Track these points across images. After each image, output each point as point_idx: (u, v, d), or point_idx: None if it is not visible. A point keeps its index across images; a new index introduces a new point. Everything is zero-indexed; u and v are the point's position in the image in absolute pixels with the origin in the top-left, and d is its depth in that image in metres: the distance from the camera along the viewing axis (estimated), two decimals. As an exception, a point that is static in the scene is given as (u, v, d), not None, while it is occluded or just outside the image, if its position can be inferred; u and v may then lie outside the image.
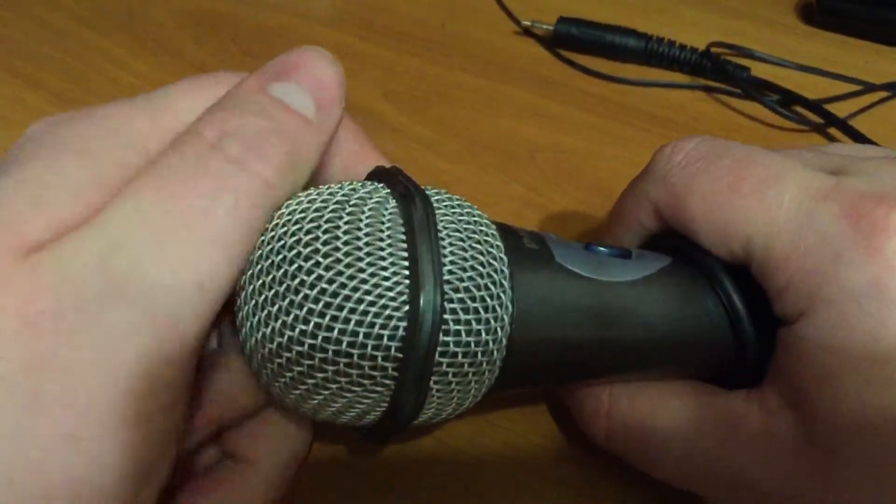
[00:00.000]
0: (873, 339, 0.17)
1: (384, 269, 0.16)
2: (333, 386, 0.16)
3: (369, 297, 0.15)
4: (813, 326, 0.18)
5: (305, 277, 0.16)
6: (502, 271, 0.17)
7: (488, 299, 0.17)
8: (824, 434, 0.17)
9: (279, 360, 0.16)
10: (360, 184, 0.18)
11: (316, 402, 0.17)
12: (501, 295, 0.17)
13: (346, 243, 0.16)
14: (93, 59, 0.39)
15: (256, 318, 0.16)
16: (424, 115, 0.36)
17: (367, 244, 0.16)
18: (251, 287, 0.16)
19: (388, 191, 0.17)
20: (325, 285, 0.15)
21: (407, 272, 0.16)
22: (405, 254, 0.16)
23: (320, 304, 0.15)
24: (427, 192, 0.18)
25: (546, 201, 0.32)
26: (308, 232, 0.16)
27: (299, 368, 0.16)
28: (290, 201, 0.17)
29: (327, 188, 0.17)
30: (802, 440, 0.18)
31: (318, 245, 0.16)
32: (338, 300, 0.15)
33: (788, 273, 0.18)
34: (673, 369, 0.21)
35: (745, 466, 0.19)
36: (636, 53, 0.40)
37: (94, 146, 0.16)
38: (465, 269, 0.16)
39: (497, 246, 0.18)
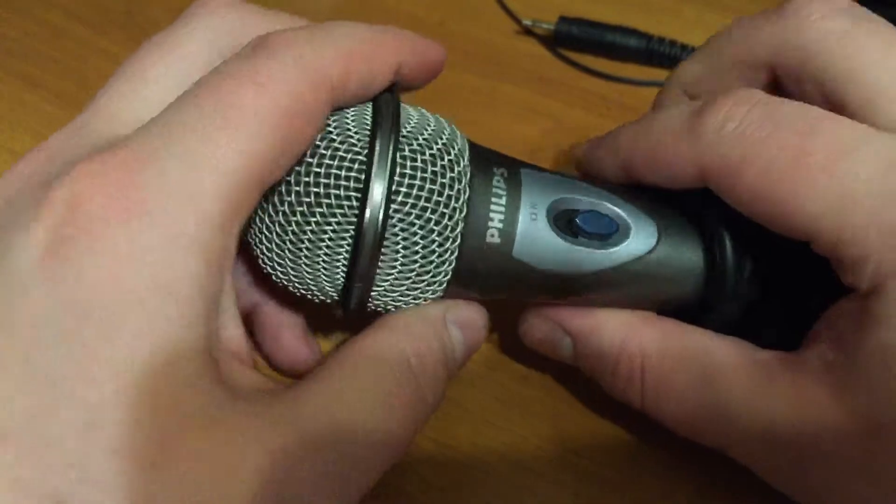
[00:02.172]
0: None
1: (350, 137, 0.19)
2: (307, 228, 0.19)
3: (335, 153, 0.19)
4: (888, 301, 0.17)
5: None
6: (461, 177, 0.20)
7: (441, 176, 0.20)
8: (872, 406, 0.17)
9: (272, 211, 0.20)
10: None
11: (302, 249, 0.20)
12: (456, 183, 0.20)
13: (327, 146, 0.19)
14: (91, 57, 0.38)
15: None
16: (424, 114, 0.36)
17: (342, 143, 0.19)
18: None
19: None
20: (308, 168, 0.19)
21: (367, 150, 0.19)
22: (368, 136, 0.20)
23: (304, 157, 0.19)
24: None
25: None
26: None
27: (286, 210, 0.19)
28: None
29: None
30: (843, 408, 0.18)
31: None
32: (310, 154, 0.19)
33: (866, 247, 0.18)
34: (634, 303, 0.22)
35: (778, 427, 0.19)
36: (637, 53, 0.40)
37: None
38: (422, 151, 0.20)
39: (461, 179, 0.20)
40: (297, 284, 0.21)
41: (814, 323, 0.20)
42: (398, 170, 0.19)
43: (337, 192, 0.19)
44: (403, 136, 0.20)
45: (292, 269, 0.21)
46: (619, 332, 0.22)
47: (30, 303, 0.15)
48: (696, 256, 0.22)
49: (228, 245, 0.18)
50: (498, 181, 0.21)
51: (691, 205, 0.22)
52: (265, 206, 0.20)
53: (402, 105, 0.21)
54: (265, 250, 0.21)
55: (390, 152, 0.19)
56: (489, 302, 0.23)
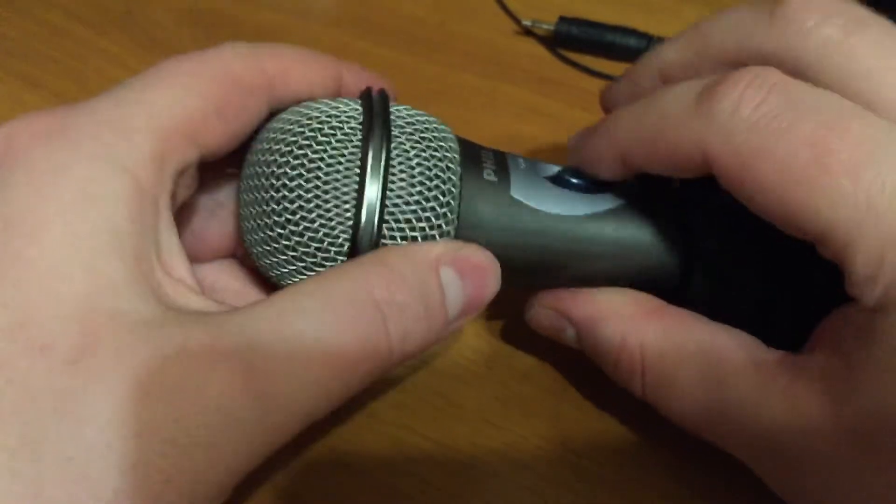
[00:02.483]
0: None
1: (339, 172, 0.20)
2: (300, 264, 0.20)
3: (324, 214, 0.19)
4: (893, 321, 0.17)
5: (282, 186, 0.20)
6: (449, 203, 0.20)
7: (436, 207, 0.20)
8: (868, 419, 0.17)
9: (265, 243, 0.20)
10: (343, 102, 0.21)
11: (287, 274, 0.21)
12: (446, 217, 0.20)
13: (308, 186, 0.20)
14: (91, 58, 0.38)
15: (250, 209, 0.21)
16: (424, 114, 0.36)
17: (325, 176, 0.20)
18: (245, 184, 0.21)
19: (360, 123, 0.20)
20: (301, 207, 0.20)
21: (357, 178, 0.19)
22: (358, 170, 0.20)
23: (301, 211, 0.20)
24: (395, 110, 0.21)
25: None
26: (284, 154, 0.20)
27: (274, 246, 0.20)
28: (282, 115, 0.21)
29: (315, 104, 0.21)
30: (837, 417, 0.18)
31: (292, 167, 0.20)
32: (305, 209, 0.20)
33: (882, 266, 0.17)
34: (619, 283, 0.23)
35: (774, 432, 0.19)
36: (637, 53, 0.40)
37: None
38: (409, 202, 0.20)
39: (452, 168, 0.21)
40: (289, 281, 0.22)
41: (816, 324, 0.20)
42: (387, 210, 0.20)
43: (331, 232, 0.20)
44: (393, 176, 0.20)
45: (286, 269, 0.21)
46: (621, 326, 0.22)
47: None
48: (676, 229, 0.22)
49: (162, 180, 0.19)
50: (486, 156, 0.22)
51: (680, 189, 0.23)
52: (259, 221, 0.20)
53: (391, 108, 0.21)
54: (266, 265, 0.21)
55: (379, 196, 0.19)
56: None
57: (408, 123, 0.21)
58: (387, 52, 0.40)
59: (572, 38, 0.40)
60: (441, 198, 0.20)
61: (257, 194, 0.20)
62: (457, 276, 0.20)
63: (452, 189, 0.20)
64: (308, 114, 0.21)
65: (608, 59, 0.40)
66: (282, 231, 0.20)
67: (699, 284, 0.22)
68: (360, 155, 0.20)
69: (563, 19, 0.40)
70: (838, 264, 0.18)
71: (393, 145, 0.20)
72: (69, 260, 0.16)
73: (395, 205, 0.20)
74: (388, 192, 0.20)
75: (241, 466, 0.17)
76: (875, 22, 0.20)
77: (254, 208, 0.20)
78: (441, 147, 0.21)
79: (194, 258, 0.21)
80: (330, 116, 0.20)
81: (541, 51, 0.41)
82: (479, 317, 0.27)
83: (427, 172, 0.20)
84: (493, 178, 0.21)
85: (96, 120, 0.18)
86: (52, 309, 0.16)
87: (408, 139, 0.20)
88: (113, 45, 0.39)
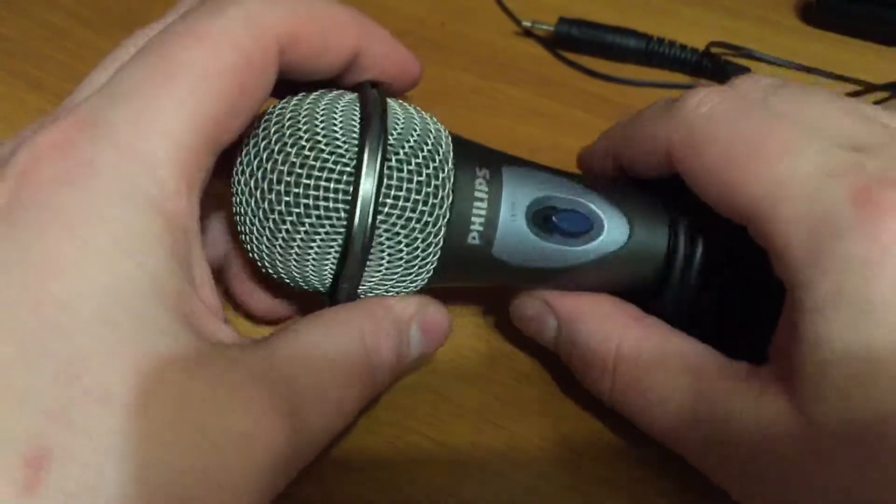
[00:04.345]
0: (861, 313, 0.17)
1: (339, 147, 0.20)
2: (300, 235, 0.20)
3: (324, 164, 0.19)
4: (809, 296, 0.18)
5: (286, 152, 0.20)
6: (444, 168, 0.21)
7: (426, 168, 0.20)
8: (815, 413, 0.18)
9: (262, 216, 0.20)
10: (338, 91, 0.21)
11: (291, 253, 0.20)
12: (440, 173, 0.20)
13: (306, 127, 0.20)
14: (92, 58, 0.38)
15: (248, 186, 0.20)
16: (424, 115, 0.36)
17: (322, 119, 0.20)
18: (243, 168, 0.21)
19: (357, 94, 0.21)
20: (293, 159, 0.20)
21: (356, 149, 0.20)
22: (356, 141, 0.20)
23: (294, 167, 0.19)
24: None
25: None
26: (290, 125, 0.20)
27: (276, 219, 0.20)
28: (282, 101, 0.21)
29: (316, 93, 0.21)
30: (796, 418, 0.18)
31: (293, 130, 0.20)
32: (300, 165, 0.19)
33: (789, 238, 0.18)
34: (606, 283, 0.23)
35: (741, 441, 0.19)
36: (636, 54, 0.40)
37: None
38: (408, 140, 0.20)
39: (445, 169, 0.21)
40: (284, 277, 0.22)
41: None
42: (385, 181, 0.20)
43: (326, 204, 0.19)
44: (390, 145, 0.20)
45: (281, 265, 0.21)
46: (603, 325, 0.23)
47: None
48: (661, 243, 0.23)
49: (191, 210, 0.18)
50: (480, 184, 0.21)
51: (665, 194, 0.23)
52: (253, 205, 0.20)
53: (388, 103, 0.21)
54: (255, 247, 0.21)
55: (378, 166, 0.19)
56: (483, 294, 0.23)
57: (399, 142, 0.21)
58: (387, 53, 0.40)
59: (572, 39, 0.40)
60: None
61: (255, 202, 0.20)
62: (420, 333, 0.22)
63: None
64: (299, 133, 0.20)
65: (608, 60, 0.40)
66: (280, 213, 0.20)
67: (670, 300, 0.23)
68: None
69: (562, 20, 0.40)
70: (764, 247, 0.20)
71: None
72: (114, 307, 0.16)
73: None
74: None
75: (275, 490, 0.18)
76: (765, 102, 0.22)
77: (252, 207, 0.20)
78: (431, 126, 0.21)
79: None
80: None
81: (541, 51, 0.41)
82: (479, 317, 0.28)
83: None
84: (476, 241, 0.21)
85: (118, 151, 0.17)
86: (104, 358, 0.15)
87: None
88: (114, 46, 0.39)
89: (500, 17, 0.43)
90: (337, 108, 0.20)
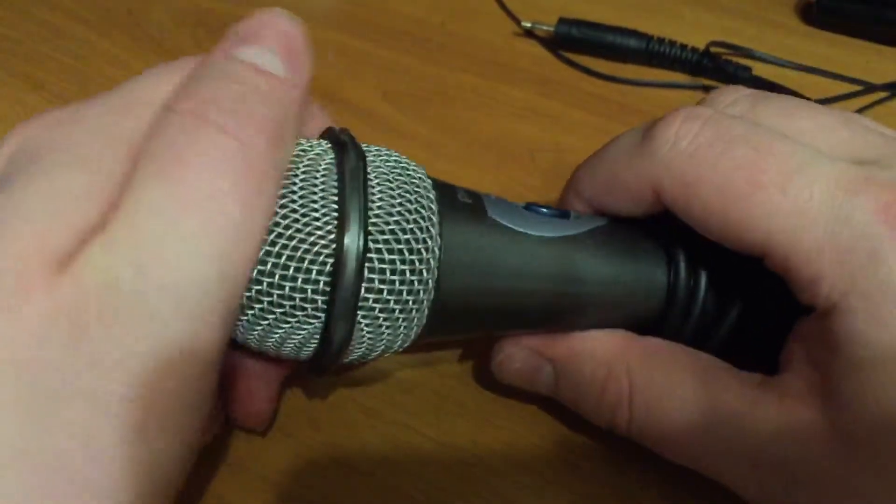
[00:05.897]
0: None
1: (315, 210, 0.18)
2: (271, 317, 0.18)
3: (300, 235, 0.17)
4: (847, 320, 0.18)
5: None
6: (430, 218, 0.19)
7: (414, 242, 0.18)
8: (851, 423, 0.18)
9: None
10: (307, 141, 0.19)
11: (258, 331, 0.18)
12: (428, 240, 0.19)
13: (282, 196, 0.17)
14: (92, 58, 0.38)
15: None
16: (424, 115, 0.36)
17: (301, 189, 0.18)
18: None
19: (329, 145, 0.19)
20: (277, 261, 0.17)
21: (336, 214, 0.18)
22: (335, 199, 0.18)
23: (276, 268, 0.17)
24: (366, 147, 0.19)
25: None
26: None
27: (254, 305, 0.18)
28: None
29: None
30: (827, 427, 0.18)
31: None
32: (274, 238, 0.17)
33: (820, 267, 0.18)
34: (604, 320, 0.22)
35: (768, 447, 0.19)
36: (637, 54, 0.40)
37: (89, 150, 0.16)
38: (391, 214, 0.18)
39: (428, 197, 0.19)
40: (262, 348, 0.20)
41: (783, 344, 0.20)
42: (366, 274, 0.18)
43: (304, 295, 0.17)
44: (373, 223, 0.18)
45: (257, 340, 0.19)
46: (605, 356, 0.22)
47: None
48: (661, 280, 0.22)
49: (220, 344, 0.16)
50: (464, 199, 0.21)
51: (656, 227, 0.23)
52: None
53: (367, 159, 0.19)
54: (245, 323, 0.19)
55: (358, 254, 0.17)
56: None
57: (377, 156, 0.20)
58: (387, 53, 0.40)
59: (572, 39, 0.40)
60: (421, 221, 0.19)
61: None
62: (251, 46, 0.17)
63: (431, 206, 0.19)
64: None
65: (608, 60, 0.40)
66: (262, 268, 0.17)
67: (674, 332, 0.22)
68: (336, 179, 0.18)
69: (562, 20, 0.40)
70: (784, 276, 0.19)
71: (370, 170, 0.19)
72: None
73: (378, 216, 0.18)
74: (370, 204, 0.18)
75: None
76: (731, 130, 0.20)
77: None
78: (411, 171, 0.20)
79: None
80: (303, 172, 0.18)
81: (541, 52, 0.41)
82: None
83: (405, 185, 0.19)
84: (467, 200, 0.20)
85: (173, 280, 0.15)
86: (128, 390, 0.15)
87: (381, 168, 0.19)
88: (114, 46, 0.39)
89: (500, 18, 0.43)
90: (311, 165, 0.18)
